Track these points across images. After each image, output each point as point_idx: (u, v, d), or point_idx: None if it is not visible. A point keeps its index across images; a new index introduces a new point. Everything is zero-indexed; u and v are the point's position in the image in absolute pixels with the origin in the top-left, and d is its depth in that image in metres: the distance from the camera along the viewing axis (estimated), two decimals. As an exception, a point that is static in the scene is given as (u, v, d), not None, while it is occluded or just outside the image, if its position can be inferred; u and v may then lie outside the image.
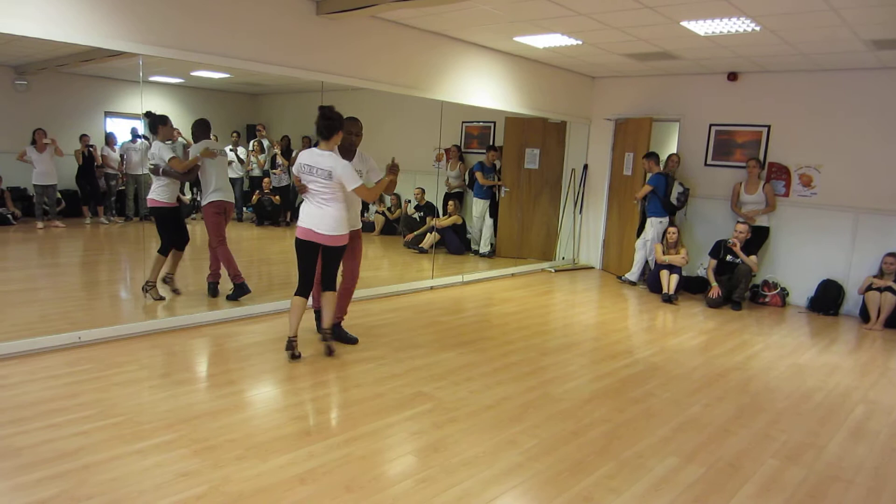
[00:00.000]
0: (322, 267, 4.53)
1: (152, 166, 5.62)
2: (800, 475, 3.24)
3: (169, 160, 5.55)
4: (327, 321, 4.64)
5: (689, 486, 3.05)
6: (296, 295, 4.50)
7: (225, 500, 2.67)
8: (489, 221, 9.51)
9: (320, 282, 4.59)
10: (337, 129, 4.33)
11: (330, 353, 4.60)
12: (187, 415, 3.50)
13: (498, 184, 9.46)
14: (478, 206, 9.49)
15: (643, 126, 8.34)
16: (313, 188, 4.33)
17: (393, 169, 4.68)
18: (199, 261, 8.02)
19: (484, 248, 9.52)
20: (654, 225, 7.94)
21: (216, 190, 5.79)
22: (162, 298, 5.77)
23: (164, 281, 5.99)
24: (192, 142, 5.99)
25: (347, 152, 4.69)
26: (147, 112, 5.83)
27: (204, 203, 5.82)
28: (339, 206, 4.37)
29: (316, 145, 4.44)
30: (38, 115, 8.93)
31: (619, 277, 8.52)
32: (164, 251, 5.78)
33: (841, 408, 4.26)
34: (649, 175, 8.09)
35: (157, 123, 5.71)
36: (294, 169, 4.45)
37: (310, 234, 4.39)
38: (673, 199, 7.92)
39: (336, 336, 4.86)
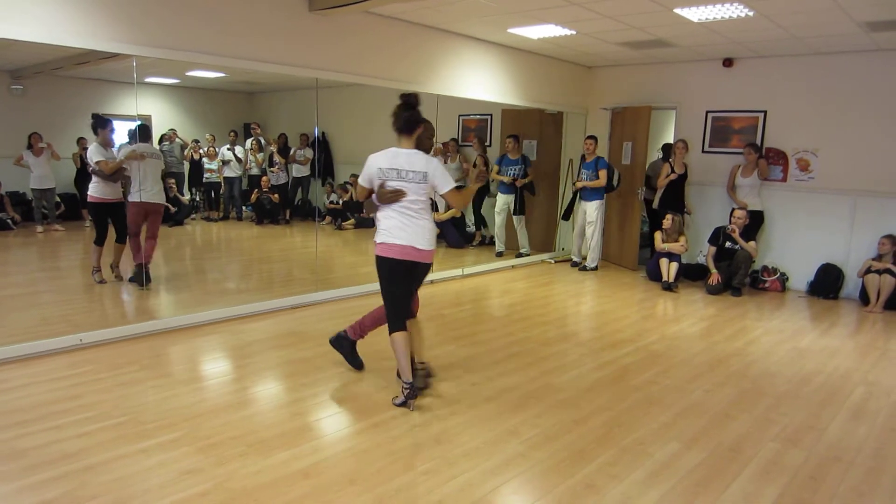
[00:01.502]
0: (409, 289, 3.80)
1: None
2: (800, 457, 3.25)
3: (97, 162, 5.99)
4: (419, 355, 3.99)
5: (691, 470, 3.06)
6: (398, 332, 3.68)
7: (229, 497, 2.69)
8: (517, 219, 8.87)
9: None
10: (421, 121, 3.68)
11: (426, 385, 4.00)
12: (190, 413, 3.51)
13: (518, 181, 8.64)
14: (499, 201, 8.85)
15: (642, 114, 8.33)
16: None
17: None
18: (196, 261, 8.04)
19: (522, 248, 8.99)
20: (598, 208, 8.17)
21: (140, 191, 6.19)
22: (104, 281, 6.28)
23: (112, 268, 6.41)
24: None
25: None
26: (93, 114, 6.32)
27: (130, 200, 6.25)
28: (430, 216, 3.72)
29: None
30: (34, 119, 8.92)
31: (576, 264, 8.63)
32: (99, 242, 6.22)
33: (841, 390, 4.27)
34: (590, 158, 8.19)
35: (97, 126, 6.15)
36: (371, 177, 3.67)
37: (410, 253, 3.63)
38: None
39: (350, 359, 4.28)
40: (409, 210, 3.63)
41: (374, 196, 3.72)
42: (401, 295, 3.72)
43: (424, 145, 3.74)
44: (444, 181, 3.61)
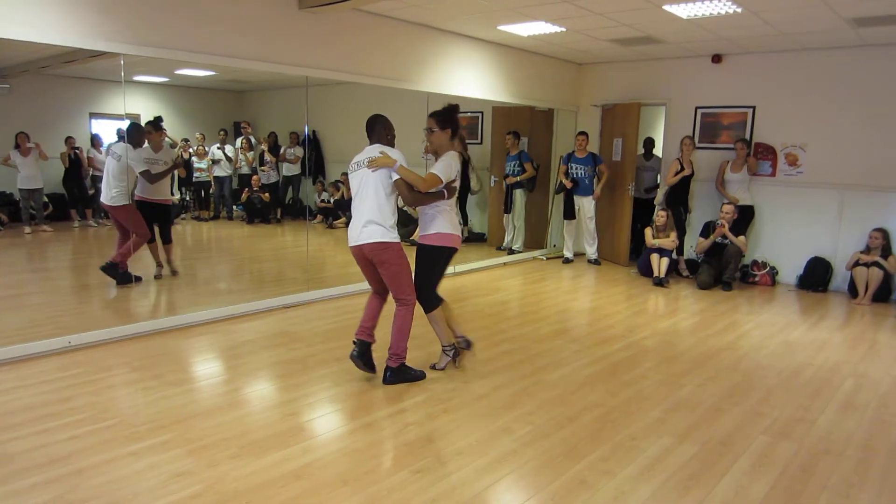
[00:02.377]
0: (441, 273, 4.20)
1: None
2: (791, 450, 3.27)
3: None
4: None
5: (683, 465, 3.08)
6: (437, 308, 4.16)
7: (221, 499, 2.68)
8: (506, 217, 9.03)
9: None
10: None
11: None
12: (181, 415, 3.50)
13: (509, 178, 8.77)
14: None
15: (632, 111, 8.35)
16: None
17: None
18: (186, 261, 8.00)
19: (514, 244, 9.07)
20: (592, 202, 8.39)
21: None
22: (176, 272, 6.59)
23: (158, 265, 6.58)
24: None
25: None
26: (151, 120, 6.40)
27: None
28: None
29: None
30: (21, 119, 8.83)
31: (568, 261, 8.70)
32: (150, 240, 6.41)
33: (830, 382, 4.31)
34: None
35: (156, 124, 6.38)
36: (453, 174, 4.02)
37: (457, 241, 4.14)
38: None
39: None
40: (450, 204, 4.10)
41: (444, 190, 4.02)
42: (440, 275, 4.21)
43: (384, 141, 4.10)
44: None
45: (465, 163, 9.41)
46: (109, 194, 6.25)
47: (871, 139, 7.00)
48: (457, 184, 4.08)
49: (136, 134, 6.31)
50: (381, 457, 3.11)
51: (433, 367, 4.29)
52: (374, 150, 3.97)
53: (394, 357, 4.03)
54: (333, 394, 3.90)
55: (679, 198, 7.87)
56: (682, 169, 7.73)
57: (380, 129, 4.08)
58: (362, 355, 4.04)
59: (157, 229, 6.47)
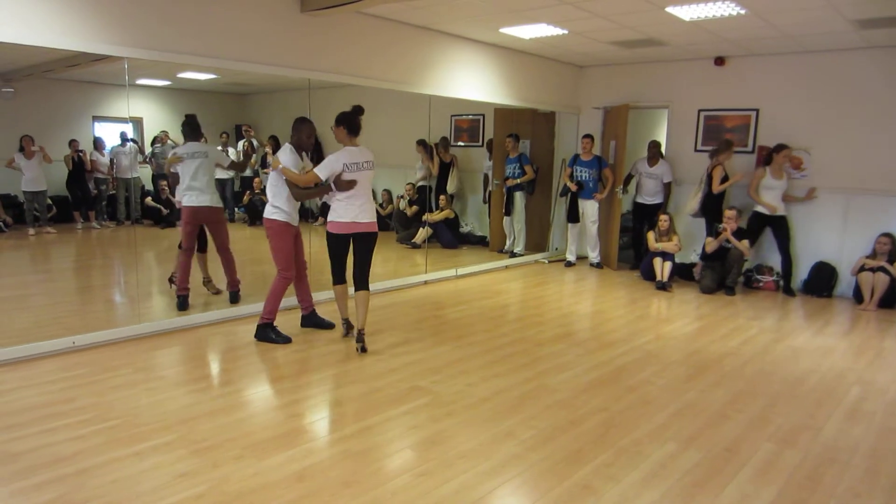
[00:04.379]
0: (364, 260, 4.75)
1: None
2: (797, 458, 3.25)
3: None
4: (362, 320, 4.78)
5: (687, 471, 3.06)
6: (340, 285, 4.90)
7: (224, 500, 2.67)
8: (507, 220, 9.09)
9: (356, 279, 4.76)
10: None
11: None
12: (184, 416, 3.49)
13: (509, 180, 8.79)
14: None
15: (622, 114, 8.35)
16: (363, 183, 4.57)
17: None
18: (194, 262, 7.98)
19: (516, 248, 9.11)
20: (594, 205, 8.40)
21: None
22: (219, 291, 6.16)
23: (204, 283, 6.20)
24: (179, 144, 5.97)
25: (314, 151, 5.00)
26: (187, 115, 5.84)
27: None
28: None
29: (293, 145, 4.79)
30: (25, 122, 8.87)
31: (570, 264, 8.70)
32: (202, 249, 6.08)
33: (836, 389, 4.28)
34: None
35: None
36: (336, 169, 4.49)
37: (360, 227, 4.62)
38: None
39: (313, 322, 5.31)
40: (363, 192, 4.60)
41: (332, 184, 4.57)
42: (342, 261, 4.82)
43: (304, 144, 4.83)
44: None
45: (449, 165, 9.48)
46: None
47: (876, 142, 6.98)
48: (356, 176, 4.52)
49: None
50: (384, 459, 3.10)
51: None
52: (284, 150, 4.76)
53: (263, 317, 4.89)
54: (336, 396, 3.89)
55: (718, 206, 7.50)
56: (727, 177, 7.41)
57: (295, 131, 4.81)
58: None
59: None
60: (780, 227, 7.29)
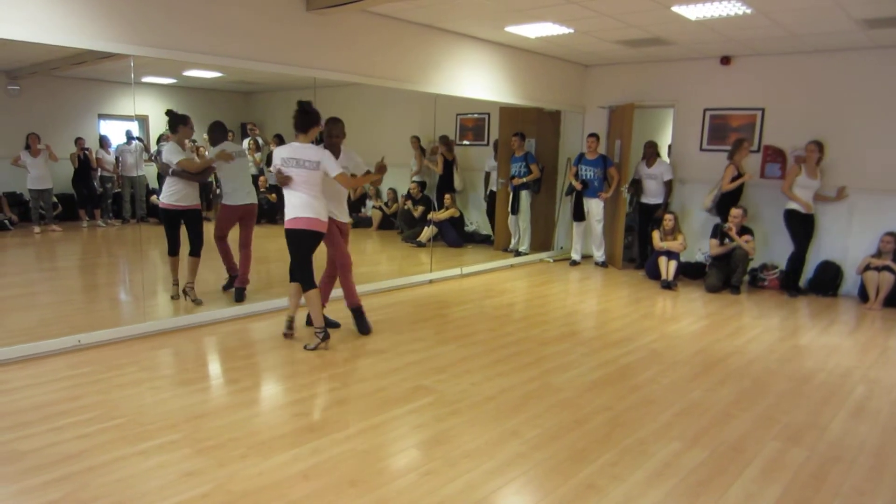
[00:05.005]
0: (305, 257, 4.69)
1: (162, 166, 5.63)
2: (802, 456, 3.25)
3: (179, 162, 5.42)
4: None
5: (692, 470, 3.06)
6: (312, 289, 4.74)
7: (229, 499, 2.68)
8: (512, 219, 9.03)
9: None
10: (314, 123, 4.59)
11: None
12: (190, 414, 3.50)
13: (515, 179, 8.76)
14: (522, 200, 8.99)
15: (627, 113, 8.33)
16: (298, 180, 4.52)
17: (381, 168, 4.98)
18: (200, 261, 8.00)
19: (521, 247, 9.07)
20: (599, 204, 8.39)
21: (235, 192, 5.85)
22: (200, 302, 5.71)
23: (184, 292, 5.77)
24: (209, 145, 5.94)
25: (333, 150, 4.77)
26: (168, 111, 5.68)
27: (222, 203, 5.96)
28: (320, 194, 4.60)
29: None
30: (31, 120, 8.89)
31: (574, 263, 8.60)
32: (173, 252, 5.74)
33: (841, 388, 4.27)
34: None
35: (177, 123, 5.56)
36: (276, 164, 4.58)
37: (299, 223, 4.57)
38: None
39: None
40: (302, 189, 4.52)
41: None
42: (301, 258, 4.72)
43: (332, 143, 4.82)
44: (333, 167, 4.51)
45: (451, 163, 9.50)
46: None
47: (882, 142, 6.95)
48: (293, 173, 4.52)
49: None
50: (389, 458, 3.10)
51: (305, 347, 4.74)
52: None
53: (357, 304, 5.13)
54: (341, 395, 3.90)
55: (731, 205, 7.40)
56: (739, 175, 7.39)
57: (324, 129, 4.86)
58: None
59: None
60: (809, 226, 7.19)
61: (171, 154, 5.45)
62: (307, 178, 4.51)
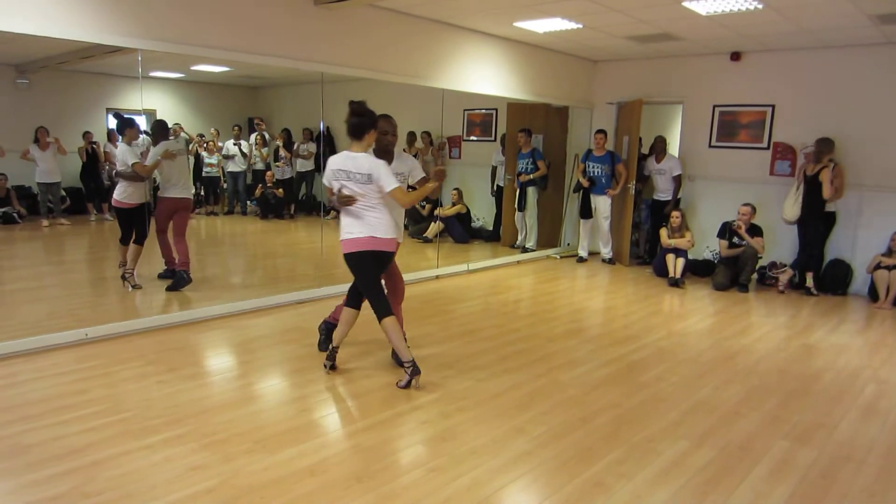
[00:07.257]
0: (370, 283, 4.00)
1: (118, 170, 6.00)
2: (811, 456, 3.22)
3: (133, 164, 5.81)
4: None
5: (700, 469, 3.04)
6: (387, 317, 3.93)
7: (235, 494, 2.67)
8: (519, 215, 9.02)
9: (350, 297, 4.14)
10: (369, 126, 3.90)
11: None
12: (196, 409, 3.50)
13: (522, 176, 8.71)
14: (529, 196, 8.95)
15: (635, 108, 8.28)
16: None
17: (438, 175, 4.21)
18: (200, 256, 8.03)
19: (528, 243, 9.07)
20: (606, 201, 8.35)
21: (174, 186, 6.09)
22: (139, 286, 6.02)
23: (124, 276, 6.07)
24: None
25: (384, 154, 4.14)
26: (115, 114, 6.01)
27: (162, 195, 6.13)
28: (380, 204, 3.91)
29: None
30: (40, 114, 8.92)
31: (581, 260, 8.57)
32: (125, 241, 6.11)
33: (851, 388, 4.24)
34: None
35: (124, 126, 5.96)
36: (326, 178, 3.98)
37: (355, 244, 3.94)
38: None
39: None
40: (359, 206, 3.90)
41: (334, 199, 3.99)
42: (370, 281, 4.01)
43: (384, 143, 4.14)
44: (388, 182, 3.82)
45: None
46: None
47: (892, 139, 6.89)
48: (346, 189, 3.93)
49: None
50: (395, 455, 3.10)
51: (397, 384, 3.97)
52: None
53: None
54: (347, 390, 3.89)
55: (815, 210, 6.99)
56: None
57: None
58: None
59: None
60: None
61: (127, 156, 5.84)
62: (361, 192, 3.87)
